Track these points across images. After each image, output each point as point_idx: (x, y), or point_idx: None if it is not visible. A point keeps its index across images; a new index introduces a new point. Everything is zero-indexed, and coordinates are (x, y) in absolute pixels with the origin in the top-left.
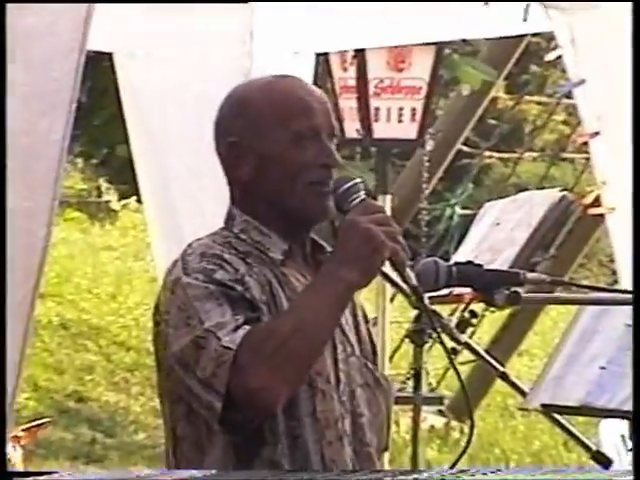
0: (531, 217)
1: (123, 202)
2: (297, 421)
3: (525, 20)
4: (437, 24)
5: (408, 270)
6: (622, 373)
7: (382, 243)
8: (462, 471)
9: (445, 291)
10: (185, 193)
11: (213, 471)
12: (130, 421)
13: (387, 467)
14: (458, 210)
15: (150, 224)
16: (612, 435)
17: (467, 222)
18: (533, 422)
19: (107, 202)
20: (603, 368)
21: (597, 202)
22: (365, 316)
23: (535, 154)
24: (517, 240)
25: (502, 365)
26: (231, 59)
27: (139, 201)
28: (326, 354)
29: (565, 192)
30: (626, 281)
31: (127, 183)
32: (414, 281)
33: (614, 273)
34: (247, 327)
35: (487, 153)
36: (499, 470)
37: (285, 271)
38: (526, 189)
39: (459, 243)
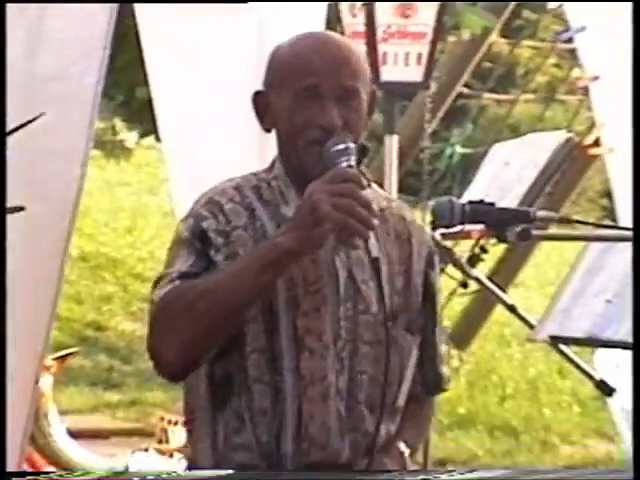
0: (538, 157)
1: (137, 140)
2: (280, 376)
3: None
4: None
5: (357, 240)
6: (627, 306)
7: (326, 215)
8: (471, 471)
9: (457, 228)
10: (204, 133)
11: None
12: (146, 349)
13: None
14: (458, 149)
15: (168, 162)
16: (607, 365)
17: (466, 160)
18: (528, 350)
19: (122, 141)
20: (609, 301)
21: (596, 143)
22: (431, 263)
23: (531, 96)
24: (525, 179)
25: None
26: None
27: (158, 139)
28: (324, 312)
29: (570, 134)
30: (624, 217)
31: (143, 123)
32: (374, 253)
33: (604, 209)
34: (178, 282)
35: (486, 95)
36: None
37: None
38: (519, 129)
39: (459, 180)
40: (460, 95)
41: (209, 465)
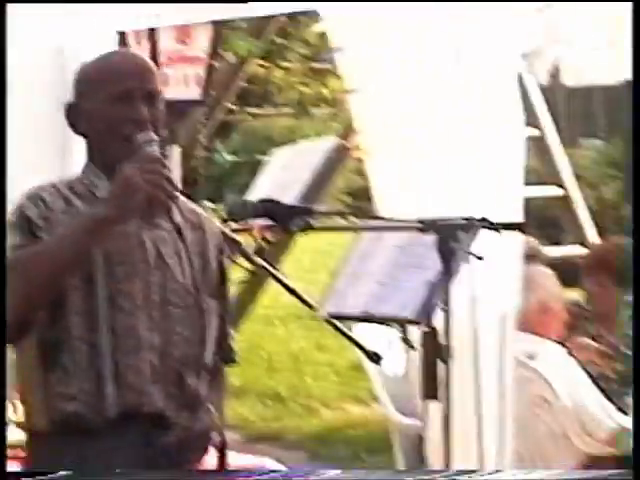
0: (313, 160)
1: None
2: (98, 333)
3: None
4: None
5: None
6: (396, 287)
7: (137, 186)
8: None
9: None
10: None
11: None
12: None
13: None
14: (227, 157)
15: None
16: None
17: (235, 167)
18: (290, 329)
19: None
20: (379, 282)
21: (357, 147)
22: (222, 251)
23: (288, 110)
24: (302, 180)
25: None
26: None
27: None
28: (135, 278)
29: (341, 140)
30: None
31: None
32: (179, 218)
33: (347, 205)
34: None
35: (249, 110)
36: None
37: None
38: (274, 140)
39: (230, 183)
40: (228, 111)
41: (43, 420)
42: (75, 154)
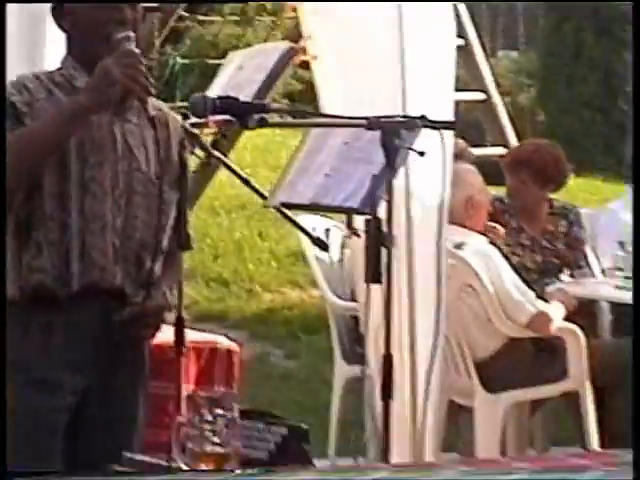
0: (267, 62)
1: None
2: (68, 214)
3: None
4: None
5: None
6: (342, 179)
7: (115, 78)
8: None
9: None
10: None
11: None
12: None
13: None
14: (179, 60)
15: None
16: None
17: (186, 69)
18: (233, 219)
19: None
20: (327, 175)
21: (304, 51)
22: (183, 145)
23: (235, 17)
24: (256, 80)
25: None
26: None
27: None
28: (105, 166)
29: (291, 44)
30: (329, 110)
31: None
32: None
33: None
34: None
35: (198, 18)
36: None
37: None
38: (219, 46)
39: (182, 84)
40: (179, 18)
41: (14, 290)
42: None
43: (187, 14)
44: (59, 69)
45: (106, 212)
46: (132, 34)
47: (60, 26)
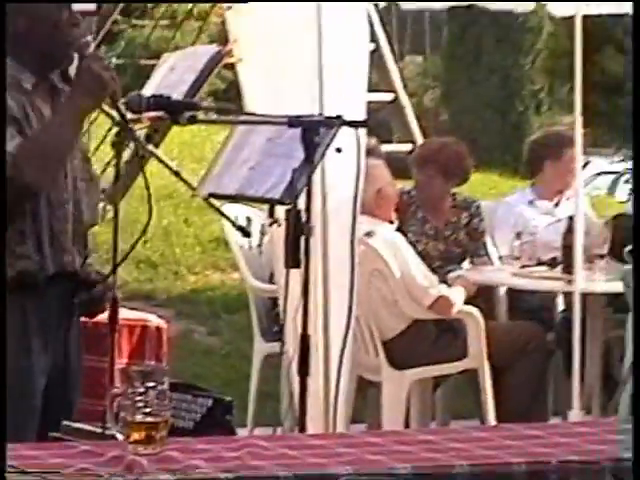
0: (197, 64)
1: None
2: (37, 204)
3: None
4: None
5: (119, 103)
6: (265, 172)
7: (107, 82)
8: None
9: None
10: None
11: None
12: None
13: None
14: (114, 60)
15: None
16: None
17: (120, 68)
18: (161, 207)
19: None
20: (252, 168)
21: (229, 52)
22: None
23: (165, 21)
24: (187, 81)
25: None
26: None
27: None
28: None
29: (220, 47)
30: (251, 108)
31: None
32: (124, 111)
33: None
34: (17, 137)
35: (131, 22)
36: None
37: (34, 98)
38: (150, 48)
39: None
40: (114, 22)
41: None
42: None
43: (121, 17)
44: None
45: (66, 199)
46: (90, 39)
47: (15, 28)
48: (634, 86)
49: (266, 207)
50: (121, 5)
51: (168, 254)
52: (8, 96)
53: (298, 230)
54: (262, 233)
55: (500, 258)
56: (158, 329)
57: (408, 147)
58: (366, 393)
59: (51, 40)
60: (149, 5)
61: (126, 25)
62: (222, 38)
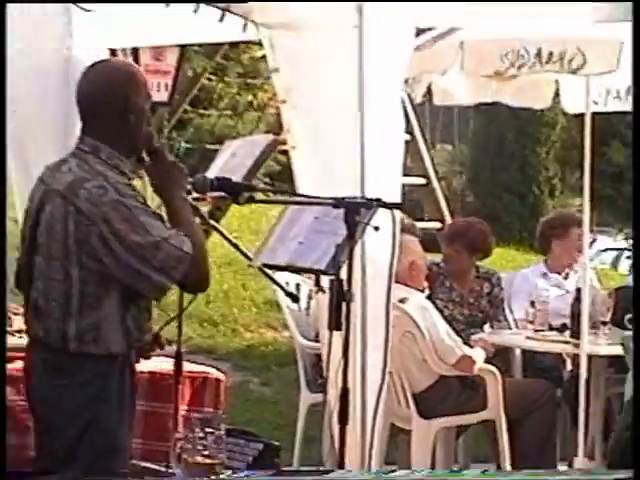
0: (255, 150)
1: None
2: None
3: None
4: (180, 29)
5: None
6: (312, 246)
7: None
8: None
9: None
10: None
11: None
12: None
13: None
14: (183, 144)
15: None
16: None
17: (188, 152)
18: (222, 272)
19: None
20: (300, 243)
21: (284, 142)
22: None
23: (229, 112)
24: (246, 165)
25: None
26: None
27: None
28: None
29: (275, 136)
30: (303, 190)
31: None
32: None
33: (268, 185)
34: (187, 239)
35: (199, 111)
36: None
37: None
38: (215, 134)
39: (184, 164)
40: (184, 111)
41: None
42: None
43: (190, 108)
44: (100, 157)
45: None
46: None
47: (121, 122)
48: (634, 88)
49: (313, 276)
50: (190, 96)
51: (227, 314)
52: (128, 187)
53: (340, 297)
54: (309, 297)
55: (515, 322)
56: (217, 380)
57: (438, 225)
58: (398, 439)
59: (140, 131)
60: (215, 97)
61: (194, 114)
62: (277, 127)
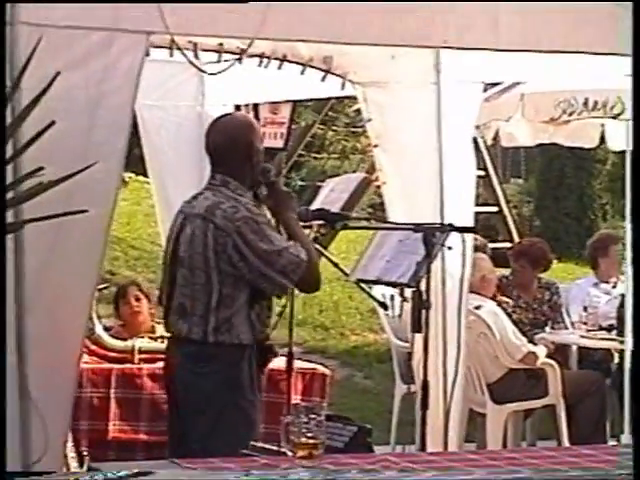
0: (349, 186)
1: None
2: None
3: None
4: (291, 88)
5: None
6: (397, 264)
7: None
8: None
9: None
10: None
11: None
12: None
13: None
14: (298, 182)
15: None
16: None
17: (303, 189)
18: (333, 287)
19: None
20: (388, 261)
21: (377, 179)
22: None
23: (335, 155)
24: (342, 198)
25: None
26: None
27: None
28: None
29: (365, 175)
30: (393, 218)
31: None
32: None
33: (369, 213)
34: (300, 247)
35: (312, 155)
36: None
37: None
38: (327, 172)
39: (299, 199)
40: (299, 155)
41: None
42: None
43: (305, 152)
44: (229, 188)
45: None
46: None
47: (247, 161)
48: (634, 88)
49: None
50: (304, 143)
51: (337, 320)
52: (256, 207)
53: (420, 305)
54: (401, 306)
55: (572, 324)
56: (324, 375)
57: (508, 245)
58: (475, 421)
59: (259, 168)
60: (325, 142)
61: (308, 157)
62: (373, 167)
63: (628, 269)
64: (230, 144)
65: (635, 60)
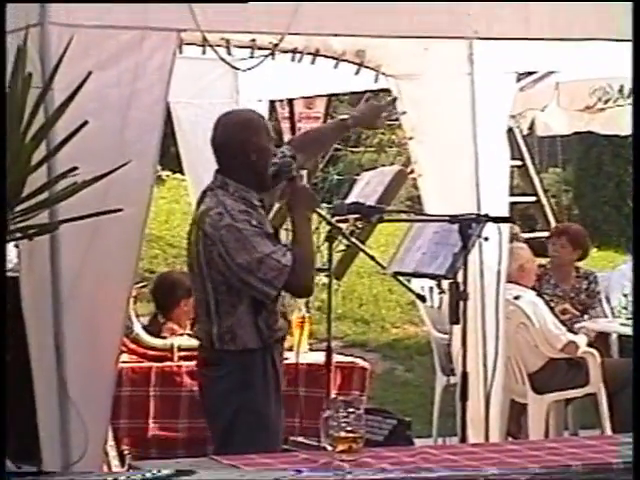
0: (385, 179)
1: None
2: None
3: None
4: (325, 82)
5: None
6: (433, 256)
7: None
8: None
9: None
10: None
11: None
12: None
13: None
14: (335, 176)
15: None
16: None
17: (339, 183)
18: (372, 280)
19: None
20: (424, 254)
21: (412, 171)
22: None
23: (373, 148)
24: (378, 191)
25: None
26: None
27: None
28: None
29: (401, 167)
30: (429, 210)
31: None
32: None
33: (408, 207)
34: (289, 252)
35: (349, 148)
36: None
37: (260, 211)
38: (364, 166)
39: (336, 193)
40: (336, 149)
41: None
42: None
43: (342, 146)
44: (228, 190)
45: None
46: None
47: (245, 160)
48: (634, 88)
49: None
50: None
51: (377, 314)
52: (243, 213)
53: (457, 297)
54: (440, 298)
55: (612, 309)
56: (363, 369)
57: (546, 234)
58: (516, 411)
59: (265, 166)
60: (362, 136)
61: (345, 151)
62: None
63: None
64: (225, 142)
65: (635, 60)
